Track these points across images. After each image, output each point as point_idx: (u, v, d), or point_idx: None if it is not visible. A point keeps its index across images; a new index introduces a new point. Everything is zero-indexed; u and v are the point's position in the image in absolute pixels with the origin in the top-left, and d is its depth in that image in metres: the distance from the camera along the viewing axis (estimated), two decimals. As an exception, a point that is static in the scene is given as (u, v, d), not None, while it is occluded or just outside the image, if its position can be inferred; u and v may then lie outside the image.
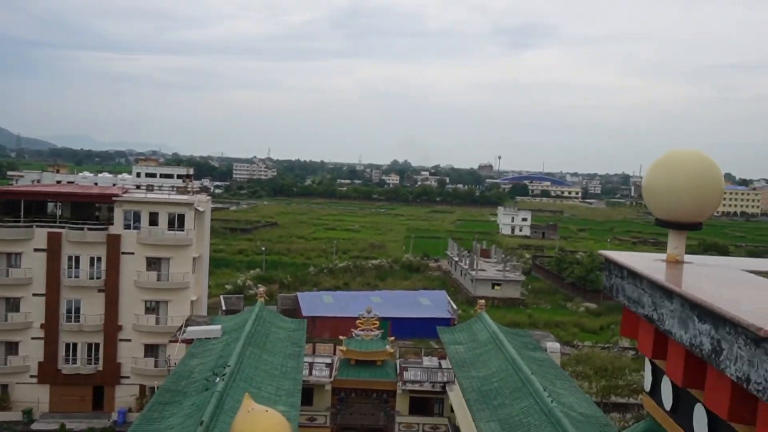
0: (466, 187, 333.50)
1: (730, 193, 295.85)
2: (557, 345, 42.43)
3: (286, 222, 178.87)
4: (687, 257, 4.93)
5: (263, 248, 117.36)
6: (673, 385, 4.28)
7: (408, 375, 41.26)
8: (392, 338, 45.22)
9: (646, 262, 4.76)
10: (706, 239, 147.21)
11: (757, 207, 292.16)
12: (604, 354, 61.00)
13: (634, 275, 4.51)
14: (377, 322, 43.07)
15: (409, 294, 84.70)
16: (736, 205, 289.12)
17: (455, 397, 37.57)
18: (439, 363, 43.38)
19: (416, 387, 40.91)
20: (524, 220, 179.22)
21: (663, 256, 4.95)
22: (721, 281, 4.23)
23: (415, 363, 43.69)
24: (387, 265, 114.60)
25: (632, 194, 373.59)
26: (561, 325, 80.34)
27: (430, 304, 78.92)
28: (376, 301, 69.94)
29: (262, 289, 49.47)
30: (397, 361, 43.10)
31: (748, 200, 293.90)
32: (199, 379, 28.25)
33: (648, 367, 4.86)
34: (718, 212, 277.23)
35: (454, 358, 36.66)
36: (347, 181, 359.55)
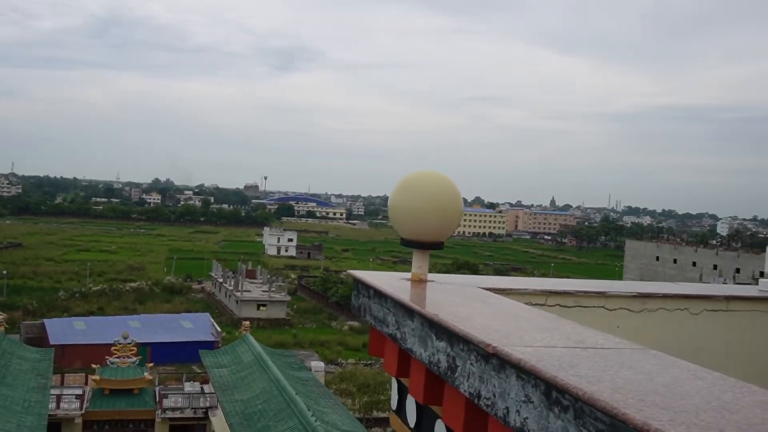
0: (232, 207, 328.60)
1: (480, 216, 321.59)
2: (321, 364, 43.43)
3: (32, 243, 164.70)
4: (430, 276, 5.09)
5: (4, 272, 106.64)
6: (417, 403, 4.37)
7: (168, 402, 39.56)
8: (151, 364, 43.25)
9: (392, 281, 4.84)
10: (459, 258, 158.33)
11: (503, 228, 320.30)
12: (366, 370, 62.83)
13: (379, 295, 4.55)
14: (135, 348, 40.88)
15: (171, 317, 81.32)
16: (485, 227, 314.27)
17: (218, 422, 36.64)
18: (202, 388, 42.22)
19: (176, 414, 39.34)
20: (290, 240, 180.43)
21: (408, 275, 5.06)
22: (459, 299, 4.40)
23: (175, 389, 42.06)
24: (147, 287, 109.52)
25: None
26: (326, 343, 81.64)
27: (193, 327, 76.44)
28: (134, 326, 66.12)
29: (1, 316, 44.61)
30: (157, 388, 41.18)
31: (495, 222, 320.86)
32: None
33: (394, 385, 4.93)
34: (469, 233, 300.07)
35: (217, 381, 35.73)
36: (104, 200, 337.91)
